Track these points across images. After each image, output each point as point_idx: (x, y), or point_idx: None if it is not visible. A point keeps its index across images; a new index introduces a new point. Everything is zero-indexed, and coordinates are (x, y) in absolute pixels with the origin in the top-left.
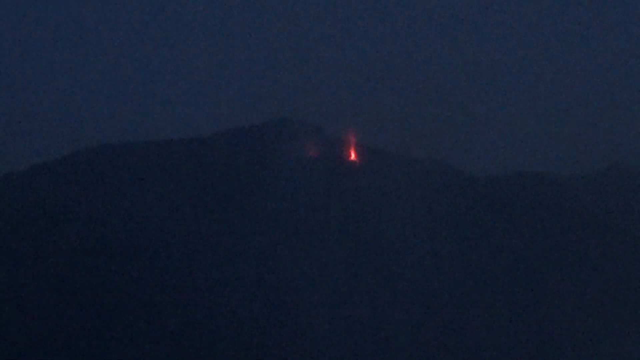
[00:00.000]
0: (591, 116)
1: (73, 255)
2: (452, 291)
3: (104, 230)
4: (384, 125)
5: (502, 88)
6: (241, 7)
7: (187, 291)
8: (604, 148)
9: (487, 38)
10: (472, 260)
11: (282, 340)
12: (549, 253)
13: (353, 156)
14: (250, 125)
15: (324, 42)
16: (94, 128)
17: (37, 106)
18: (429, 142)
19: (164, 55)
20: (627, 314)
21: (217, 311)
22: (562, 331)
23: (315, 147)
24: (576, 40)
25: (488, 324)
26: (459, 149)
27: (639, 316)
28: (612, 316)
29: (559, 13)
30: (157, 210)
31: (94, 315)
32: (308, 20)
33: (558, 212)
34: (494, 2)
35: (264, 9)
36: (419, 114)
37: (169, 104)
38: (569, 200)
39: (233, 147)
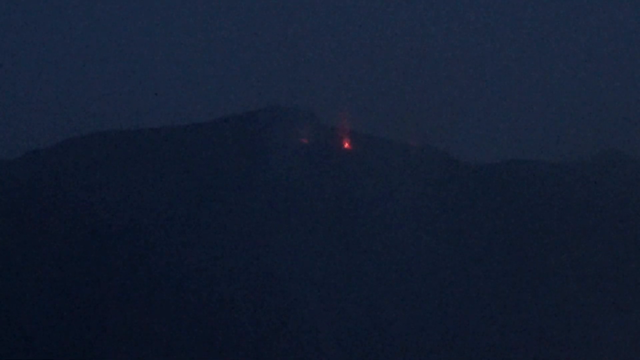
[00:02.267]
0: (584, 102)
1: (66, 243)
2: (447, 280)
3: (96, 219)
4: (378, 112)
5: (495, 75)
6: None
7: (179, 280)
8: (598, 135)
9: (481, 26)
10: (466, 249)
11: (274, 329)
12: (543, 241)
13: (347, 144)
14: (242, 113)
15: (317, 27)
16: (86, 116)
17: (31, 93)
18: (422, 129)
19: (155, 43)
20: (622, 302)
21: (209, 299)
22: (557, 321)
23: (309, 135)
24: (567, 25)
25: (484, 314)
26: (452, 136)
27: (632, 304)
28: (605, 304)
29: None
30: (149, 199)
31: (86, 304)
32: (300, 4)
33: (551, 199)
34: None
35: None
36: (413, 100)
37: (161, 92)
38: (562, 188)
39: (225, 135)
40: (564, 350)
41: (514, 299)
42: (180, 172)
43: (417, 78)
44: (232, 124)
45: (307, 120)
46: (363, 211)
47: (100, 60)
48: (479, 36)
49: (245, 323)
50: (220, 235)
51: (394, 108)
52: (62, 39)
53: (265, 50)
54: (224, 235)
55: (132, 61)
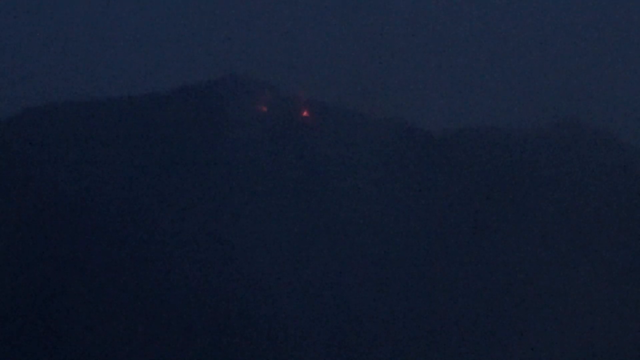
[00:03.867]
0: (543, 70)
1: (24, 215)
2: (410, 251)
3: (53, 191)
4: (339, 81)
5: (453, 42)
6: None
7: (139, 250)
8: (558, 103)
9: None
10: (429, 219)
11: (234, 306)
12: (502, 208)
13: (308, 114)
14: (199, 83)
15: None
16: (43, 86)
17: None
18: (383, 98)
19: (110, 11)
20: (581, 273)
21: (170, 270)
22: (518, 292)
23: (268, 105)
24: None
25: (446, 285)
26: (412, 104)
27: (592, 276)
28: (562, 275)
29: None
30: (106, 171)
31: (43, 275)
32: None
33: (510, 166)
34: None
35: None
36: (374, 69)
37: (112, 61)
38: (520, 155)
39: (181, 107)
40: (527, 321)
41: (479, 270)
42: (136, 144)
43: (376, 48)
44: (188, 94)
45: (265, 90)
46: (324, 182)
47: (56, 29)
48: (436, 2)
49: (204, 299)
50: (179, 208)
51: (353, 78)
52: (24, 10)
53: (222, 17)
54: (183, 208)
55: (88, 29)
